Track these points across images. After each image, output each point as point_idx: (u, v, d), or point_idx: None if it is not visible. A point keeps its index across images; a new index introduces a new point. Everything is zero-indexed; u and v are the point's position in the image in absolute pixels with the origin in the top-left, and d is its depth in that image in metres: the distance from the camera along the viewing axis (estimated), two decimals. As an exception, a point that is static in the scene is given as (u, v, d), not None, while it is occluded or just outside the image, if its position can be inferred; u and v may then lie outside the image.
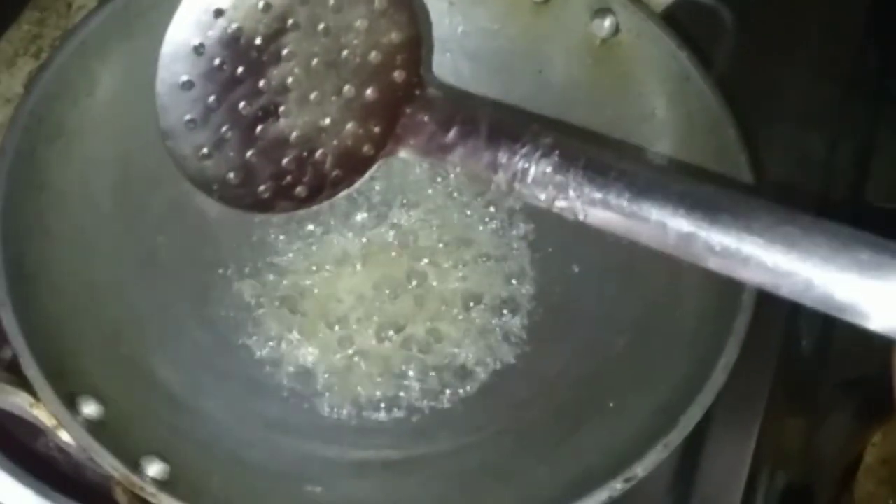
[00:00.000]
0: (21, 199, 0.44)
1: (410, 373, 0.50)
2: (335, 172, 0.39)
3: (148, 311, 0.48)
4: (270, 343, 0.50)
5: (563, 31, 0.50)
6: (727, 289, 0.43)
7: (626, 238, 0.35)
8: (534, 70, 0.51)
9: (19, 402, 0.41)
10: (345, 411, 0.49)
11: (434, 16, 0.52)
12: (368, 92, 0.40)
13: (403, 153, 0.39)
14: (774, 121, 0.53)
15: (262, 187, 0.40)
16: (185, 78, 0.41)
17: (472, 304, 0.51)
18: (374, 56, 0.40)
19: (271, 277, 0.51)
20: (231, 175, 0.40)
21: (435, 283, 0.51)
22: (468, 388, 0.49)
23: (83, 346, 0.43)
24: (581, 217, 0.36)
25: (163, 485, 0.39)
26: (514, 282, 0.52)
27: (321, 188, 0.39)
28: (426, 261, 0.52)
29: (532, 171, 0.36)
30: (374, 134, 0.39)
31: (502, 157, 0.36)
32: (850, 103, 0.55)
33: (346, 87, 0.40)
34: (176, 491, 0.39)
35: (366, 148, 0.39)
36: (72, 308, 0.44)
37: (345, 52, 0.40)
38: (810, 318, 0.51)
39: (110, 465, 0.38)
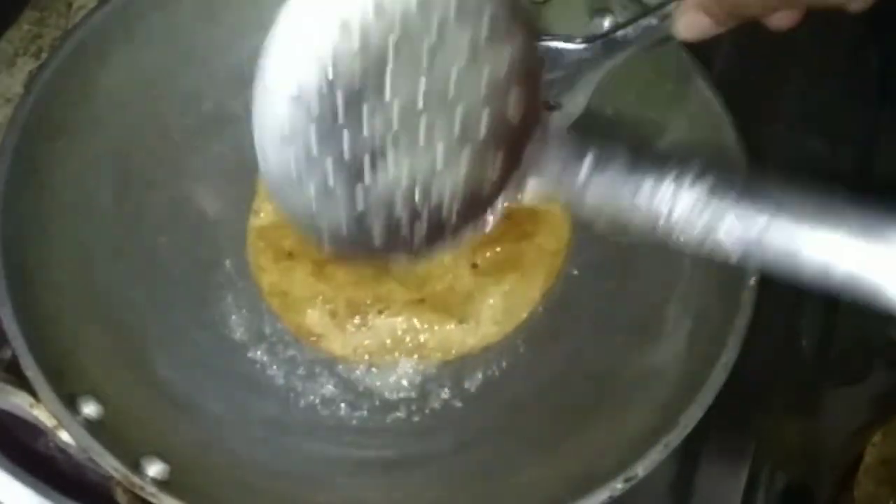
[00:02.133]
0: (21, 198, 0.44)
1: (410, 372, 0.50)
2: (455, 218, 0.36)
3: (148, 311, 0.48)
4: (270, 343, 0.50)
5: (563, 30, 0.50)
6: (727, 289, 0.43)
7: (787, 276, 0.30)
8: (534, 70, 0.51)
9: (19, 402, 0.41)
10: (344, 411, 0.49)
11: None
12: (484, 123, 0.35)
13: (531, 187, 0.35)
14: (774, 121, 0.53)
15: (376, 238, 0.37)
16: (286, 130, 0.37)
17: (472, 304, 0.51)
18: (486, 84, 0.35)
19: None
20: (343, 226, 0.37)
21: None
22: (468, 388, 0.49)
23: (83, 347, 0.43)
24: (734, 257, 0.31)
25: (163, 485, 0.39)
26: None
27: (441, 236, 0.36)
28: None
29: (680, 203, 0.31)
30: (496, 171, 0.35)
31: (647, 184, 0.32)
32: (850, 103, 0.55)
33: (459, 121, 0.36)
34: (176, 491, 0.39)
35: (487, 189, 0.35)
36: (72, 308, 0.44)
37: (454, 84, 0.36)
38: (811, 319, 0.51)
39: (110, 465, 0.38)
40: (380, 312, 0.50)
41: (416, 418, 0.49)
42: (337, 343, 0.50)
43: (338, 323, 0.50)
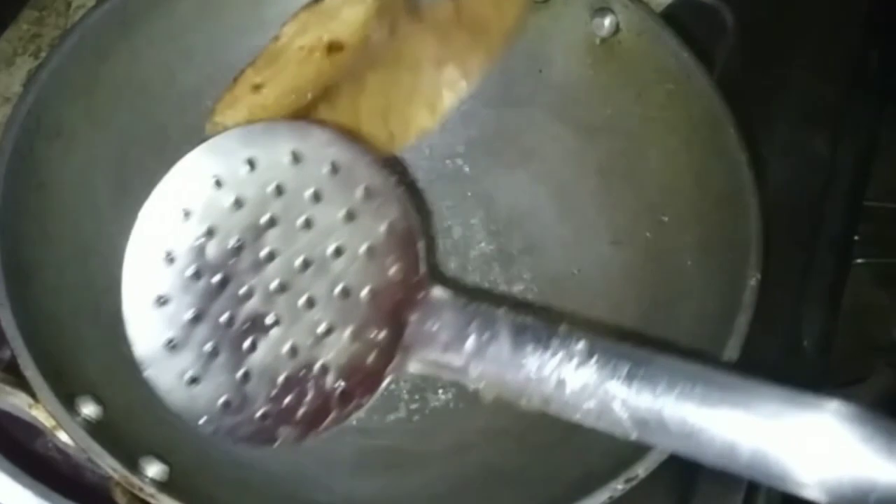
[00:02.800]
0: (19, 198, 0.44)
1: (410, 372, 0.50)
2: (340, 388, 0.35)
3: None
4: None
5: (564, 30, 0.50)
6: (728, 288, 0.43)
7: (690, 457, 0.30)
8: (534, 69, 0.51)
9: (18, 402, 0.41)
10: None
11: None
12: (365, 292, 0.35)
13: (413, 367, 0.35)
14: (775, 120, 0.53)
15: (260, 412, 0.36)
16: (157, 293, 0.36)
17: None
18: (364, 250, 0.35)
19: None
20: (224, 400, 0.36)
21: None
22: (469, 388, 0.49)
23: (82, 347, 0.43)
24: (633, 436, 0.31)
25: (162, 485, 0.39)
26: (514, 282, 0.51)
27: (327, 409, 0.35)
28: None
29: (568, 383, 0.31)
30: (379, 342, 0.35)
31: (531, 368, 0.32)
32: (851, 103, 0.55)
33: (339, 286, 0.35)
34: (175, 491, 0.39)
35: (372, 358, 0.35)
36: (70, 308, 0.44)
37: (331, 247, 0.36)
38: (812, 319, 0.51)
39: (109, 465, 0.38)
40: None
41: (416, 418, 0.49)
42: None
43: None
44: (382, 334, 0.35)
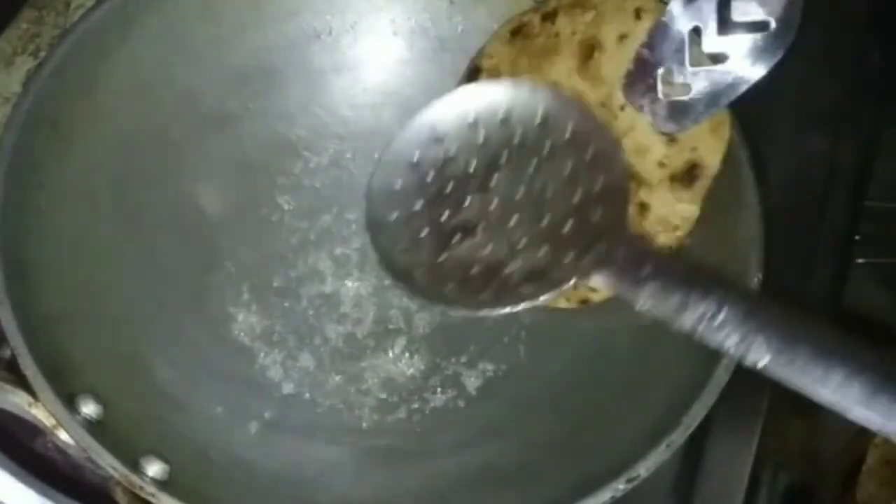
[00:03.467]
0: (19, 198, 0.44)
1: (411, 372, 0.50)
2: (522, 288, 0.40)
3: (147, 311, 0.48)
4: (270, 343, 0.50)
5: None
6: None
7: (804, 392, 0.34)
8: (534, 69, 0.52)
9: (18, 401, 0.41)
10: (345, 412, 0.49)
11: (435, 14, 0.52)
12: (567, 226, 0.40)
13: (595, 279, 0.39)
14: (776, 120, 0.52)
15: (448, 287, 0.41)
16: (398, 185, 0.43)
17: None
18: (578, 197, 0.41)
19: (270, 277, 0.51)
20: (421, 271, 0.42)
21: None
22: (469, 388, 0.49)
23: (82, 346, 0.43)
24: (760, 365, 0.35)
25: (162, 484, 0.39)
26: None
27: (503, 301, 0.40)
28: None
29: (721, 315, 0.35)
30: (567, 262, 0.39)
31: (694, 297, 0.36)
32: (851, 102, 0.55)
33: (546, 219, 0.41)
34: (175, 490, 0.39)
35: (556, 272, 0.39)
36: (71, 308, 0.44)
37: (550, 190, 0.41)
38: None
39: (109, 464, 0.38)
40: None
41: (416, 418, 0.49)
42: None
43: None
44: (570, 255, 0.39)
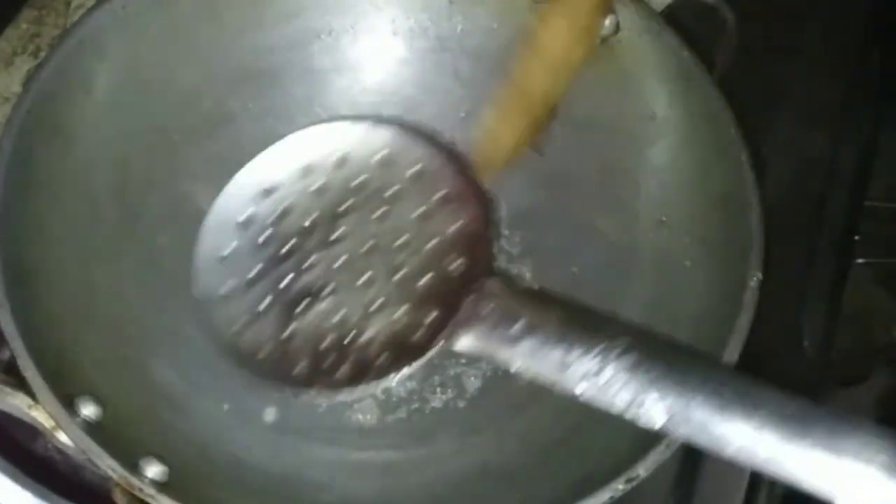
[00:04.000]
0: (19, 198, 0.43)
1: (410, 373, 0.50)
2: (381, 358, 0.37)
3: (146, 312, 0.47)
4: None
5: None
6: (729, 288, 0.43)
7: (709, 451, 0.32)
8: (534, 69, 0.51)
9: (17, 403, 0.41)
10: (344, 412, 0.49)
11: (434, 14, 0.52)
12: (425, 279, 0.37)
13: (461, 343, 0.36)
14: (776, 120, 0.53)
15: (298, 368, 0.38)
16: (226, 252, 0.40)
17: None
18: (434, 244, 0.38)
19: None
20: (265, 352, 0.38)
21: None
22: (468, 388, 0.49)
23: (81, 347, 0.43)
24: (657, 426, 0.33)
25: (162, 486, 0.39)
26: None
27: (366, 372, 0.37)
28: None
29: (606, 372, 0.33)
30: (428, 322, 0.36)
31: (574, 355, 0.33)
32: (851, 102, 0.55)
33: (401, 273, 0.38)
34: (175, 492, 0.39)
35: (418, 335, 0.37)
36: (70, 309, 0.44)
37: (402, 238, 0.38)
38: (812, 319, 0.51)
39: (109, 466, 0.38)
40: None
41: (416, 418, 0.49)
42: None
43: None
44: (434, 314, 0.36)
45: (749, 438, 0.31)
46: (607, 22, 0.48)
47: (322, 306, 0.38)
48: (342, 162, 0.39)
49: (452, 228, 0.37)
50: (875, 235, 0.57)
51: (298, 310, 0.38)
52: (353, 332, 0.37)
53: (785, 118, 0.53)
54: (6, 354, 0.42)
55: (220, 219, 0.40)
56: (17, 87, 0.54)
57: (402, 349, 0.36)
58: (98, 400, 0.40)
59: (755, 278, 0.42)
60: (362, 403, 0.49)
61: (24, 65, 0.56)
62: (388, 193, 0.39)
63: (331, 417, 0.48)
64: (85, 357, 0.43)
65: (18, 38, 0.56)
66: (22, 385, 0.40)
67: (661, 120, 0.48)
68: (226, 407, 0.47)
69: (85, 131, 0.47)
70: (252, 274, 0.39)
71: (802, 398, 0.32)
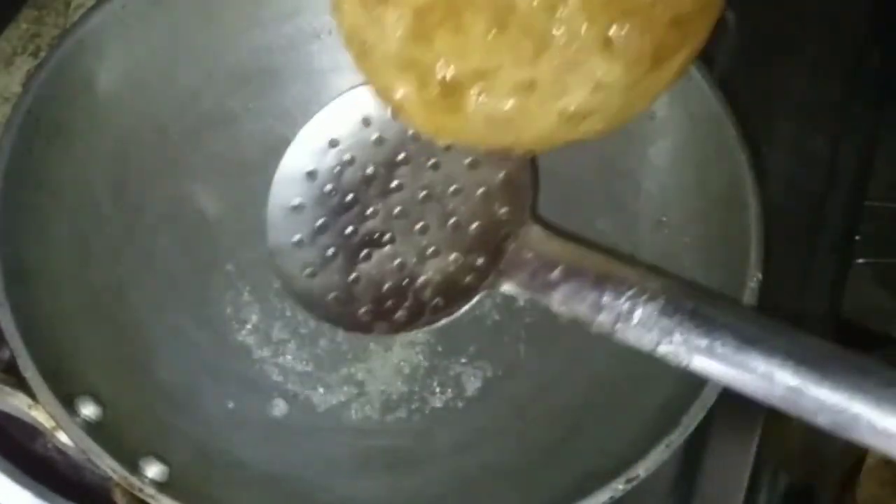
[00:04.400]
0: (19, 198, 0.44)
1: (410, 373, 0.50)
2: (436, 300, 0.39)
3: (146, 312, 0.48)
4: (270, 343, 0.50)
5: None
6: (729, 289, 0.43)
7: (731, 387, 0.35)
8: (534, 69, 0.51)
9: (17, 403, 0.41)
10: (345, 412, 0.49)
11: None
12: (474, 226, 0.40)
13: (506, 287, 0.38)
14: (776, 120, 0.53)
15: (362, 310, 0.40)
16: (296, 201, 0.42)
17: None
18: (481, 192, 0.40)
19: (271, 277, 0.51)
20: (333, 295, 0.41)
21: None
22: (469, 388, 0.49)
23: (81, 347, 0.43)
24: (684, 363, 0.35)
25: (162, 486, 0.39)
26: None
27: (421, 314, 0.40)
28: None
29: (637, 313, 0.36)
30: (477, 266, 0.39)
31: (607, 298, 0.36)
32: (852, 102, 0.55)
33: (452, 220, 0.40)
34: (175, 492, 0.39)
35: (468, 279, 0.39)
36: (70, 309, 0.44)
37: (453, 187, 0.41)
38: (812, 319, 0.51)
39: (109, 466, 0.38)
40: (480, 93, 0.39)
41: (416, 418, 0.49)
42: (420, 117, 0.41)
43: (426, 97, 0.39)
44: (481, 260, 0.39)
45: (769, 375, 0.34)
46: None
47: (382, 253, 0.41)
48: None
49: (497, 178, 0.40)
50: (875, 235, 0.57)
51: (361, 256, 0.41)
52: (410, 276, 0.40)
53: (786, 117, 0.53)
54: (6, 354, 0.42)
55: (289, 170, 0.43)
56: (17, 87, 0.54)
57: (453, 293, 0.39)
58: (98, 400, 0.40)
59: (755, 278, 0.42)
60: (362, 403, 0.49)
61: (24, 65, 0.56)
62: (440, 143, 0.41)
63: (331, 418, 0.49)
64: (85, 357, 0.43)
65: (18, 38, 0.57)
66: (22, 385, 0.40)
67: (661, 120, 0.48)
68: (230, 405, 0.47)
69: (84, 131, 0.47)
70: (319, 223, 0.42)
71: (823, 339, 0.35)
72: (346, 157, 0.42)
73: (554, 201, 0.52)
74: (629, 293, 0.36)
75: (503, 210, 0.39)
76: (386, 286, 0.40)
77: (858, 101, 0.56)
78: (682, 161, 0.48)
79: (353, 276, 0.41)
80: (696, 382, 0.41)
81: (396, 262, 0.41)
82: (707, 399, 0.40)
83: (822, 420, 0.34)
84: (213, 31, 0.50)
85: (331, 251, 0.41)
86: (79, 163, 0.47)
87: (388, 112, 0.41)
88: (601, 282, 0.36)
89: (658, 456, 0.39)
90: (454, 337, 0.50)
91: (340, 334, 0.50)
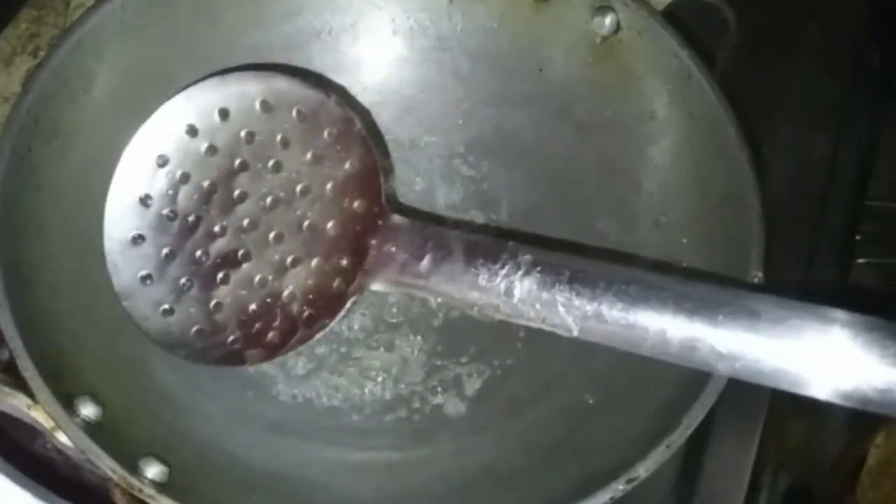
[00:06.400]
0: (18, 198, 0.43)
1: (410, 373, 0.50)
2: (307, 313, 0.37)
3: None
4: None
5: (564, 29, 0.50)
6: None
7: (628, 350, 0.34)
8: (534, 68, 0.51)
9: (17, 403, 0.41)
10: (345, 412, 0.49)
11: (434, 13, 0.52)
12: (330, 225, 0.38)
13: (376, 286, 0.37)
14: (776, 120, 0.52)
15: (230, 338, 0.38)
16: (134, 233, 0.39)
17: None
18: (330, 187, 0.38)
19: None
20: (196, 329, 0.38)
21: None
22: (469, 388, 0.49)
23: (81, 347, 0.43)
24: (575, 332, 0.34)
25: (161, 486, 0.39)
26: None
27: (293, 331, 0.37)
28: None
29: (516, 290, 0.34)
30: (343, 268, 0.37)
31: (482, 280, 0.35)
32: (852, 102, 0.55)
33: (307, 223, 0.38)
34: (175, 493, 0.39)
35: (336, 284, 0.37)
36: (69, 309, 0.44)
37: (300, 186, 0.38)
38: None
39: (108, 466, 0.38)
40: None
41: (416, 418, 0.49)
42: None
43: None
44: (345, 261, 0.37)
45: (661, 331, 0.33)
46: (607, 21, 0.48)
47: (239, 272, 0.38)
48: (224, 115, 0.39)
49: (344, 169, 0.38)
50: (875, 235, 0.57)
51: (218, 279, 0.38)
52: (274, 292, 0.38)
53: (786, 117, 0.53)
54: (5, 354, 0.42)
55: (118, 201, 0.40)
56: (16, 87, 0.54)
57: (323, 302, 0.37)
58: (97, 400, 0.40)
59: (755, 278, 0.42)
60: (362, 403, 0.49)
61: (23, 64, 0.56)
62: (275, 141, 0.39)
63: (331, 418, 0.48)
64: (85, 357, 0.43)
65: (18, 37, 0.56)
66: (21, 385, 0.40)
67: (662, 120, 0.48)
68: (230, 405, 0.47)
69: (84, 131, 0.47)
70: (164, 252, 0.39)
71: (710, 282, 0.34)
72: (178, 174, 0.39)
73: (554, 201, 0.52)
74: (503, 271, 0.34)
75: (357, 203, 0.37)
76: (251, 308, 0.38)
77: (858, 101, 0.56)
78: (682, 161, 0.48)
79: (212, 303, 0.38)
80: (696, 383, 0.41)
81: (256, 279, 0.38)
82: (708, 399, 0.40)
83: (723, 368, 0.33)
84: (213, 31, 0.50)
85: (183, 281, 0.39)
86: (78, 163, 0.47)
87: (215, 116, 0.39)
88: (473, 263, 0.35)
89: (659, 456, 0.39)
90: (454, 337, 0.50)
91: (340, 334, 0.50)
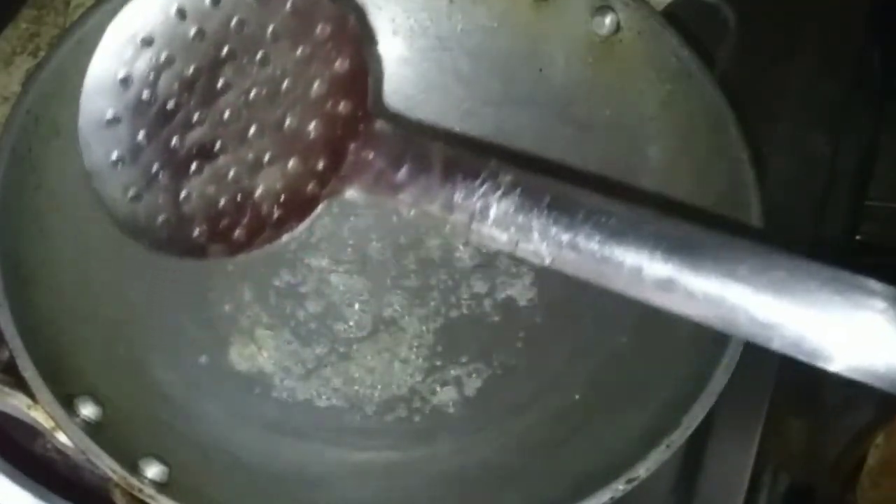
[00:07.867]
0: (18, 198, 0.43)
1: (411, 372, 0.50)
2: (277, 214, 0.36)
3: (146, 312, 0.48)
4: (270, 343, 0.50)
5: (564, 29, 0.50)
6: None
7: (599, 284, 0.32)
8: (534, 68, 0.51)
9: (17, 403, 0.41)
10: (345, 412, 0.49)
11: (434, 13, 0.52)
12: (311, 126, 0.36)
13: (350, 192, 0.35)
14: (776, 119, 0.53)
15: (196, 231, 0.37)
16: (110, 114, 0.38)
17: (472, 303, 0.51)
18: (317, 87, 0.36)
19: (272, 277, 0.51)
20: (163, 218, 0.37)
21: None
22: (469, 388, 0.49)
23: (81, 347, 0.43)
24: (547, 261, 0.33)
25: (161, 486, 0.39)
26: (513, 282, 0.51)
27: (261, 230, 0.36)
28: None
29: (492, 211, 0.33)
30: (318, 171, 0.35)
31: (458, 196, 0.33)
32: (852, 102, 0.55)
33: (288, 121, 0.36)
34: (174, 493, 0.39)
35: (310, 187, 0.36)
36: (69, 309, 0.44)
37: (286, 83, 0.37)
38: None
39: (108, 466, 0.38)
40: None
41: (416, 418, 0.49)
42: None
43: None
44: (322, 164, 0.36)
45: (636, 268, 0.31)
46: (607, 21, 0.48)
47: (214, 165, 0.37)
48: (215, 1, 0.38)
49: (333, 68, 0.36)
50: (876, 235, 0.57)
51: (191, 170, 0.37)
52: (246, 189, 0.36)
53: (786, 117, 0.53)
54: (5, 354, 0.42)
55: (98, 79, 0.38)
56: (16, 87, 0.54)
57: (294, 204, 0.36)
58: (98, 400, 0.40)
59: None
60: (362, 403, 0.49)
61: (23, 64, 0.56)
62: (266, 33, 0.37)
63: (331, 418, 0.48)
64: (85, 357, 0.43)
65: (18, 37, 0.56)
66: (21, 385, 0.40)
67: (662, 119, 0.48)
68: (230, 405, 0.47)
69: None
70: (139, 137, 0.38)
71: (697, 222, 0.32)
72: (163, 57, 0.37)
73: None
74: (481, 189, 0.33)
75: (342, 105, 0.36)
76: (221, 202, 0.36)
77: (858, 101, 0.56)
78: (681, 161, 0.48)
79: (182, 194, 0.37)
80: (696, 383, 0.41)
81: (230, 174, 0.37)
82: (708, 399, 0.40)
83: (695, 312, 0.31)
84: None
85: (155, 168, 0.37)
86: (78, 162, 0.46)
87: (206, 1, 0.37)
88: (451, 178, 0.34)
89: (659, 456, 0.39)
90: (454, 337, 0.50)
91: (341, 334, 0.50)
